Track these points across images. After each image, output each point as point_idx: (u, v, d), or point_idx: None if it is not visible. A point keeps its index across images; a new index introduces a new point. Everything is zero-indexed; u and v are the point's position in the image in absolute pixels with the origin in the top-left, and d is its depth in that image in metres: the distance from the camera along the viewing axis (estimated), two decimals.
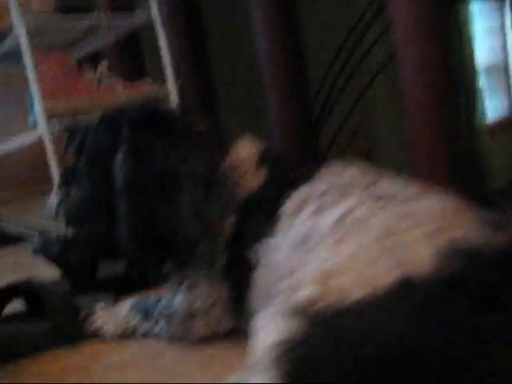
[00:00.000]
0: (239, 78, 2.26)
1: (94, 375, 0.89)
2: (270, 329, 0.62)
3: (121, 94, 1.65)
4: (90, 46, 1.85)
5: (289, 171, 0.91)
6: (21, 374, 0.94)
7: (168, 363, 0.89)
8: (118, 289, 1.18)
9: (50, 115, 1.50)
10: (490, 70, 4.12)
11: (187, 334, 0.92)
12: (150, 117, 0.93)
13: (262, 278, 0.78)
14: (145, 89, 1.73)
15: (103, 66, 1.69)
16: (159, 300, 0.97)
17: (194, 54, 1.97)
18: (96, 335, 1.01)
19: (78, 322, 1.02)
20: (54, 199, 1.01)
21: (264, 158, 0.92)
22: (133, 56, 2.00)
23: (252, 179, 0.90)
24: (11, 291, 1.06)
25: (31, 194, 2.44)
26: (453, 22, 3.98)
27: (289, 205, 0.79)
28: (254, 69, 1.90)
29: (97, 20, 1.67)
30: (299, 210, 0.77)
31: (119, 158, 0.90)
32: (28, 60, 1.47)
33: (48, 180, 2.45)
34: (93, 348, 0.99)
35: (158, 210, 0.87)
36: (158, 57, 1.87)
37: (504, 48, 4.29)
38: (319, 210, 0.74)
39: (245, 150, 0.93)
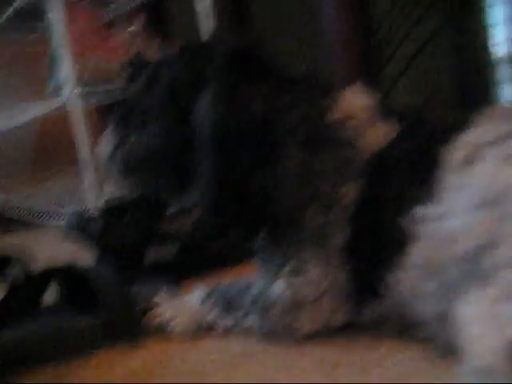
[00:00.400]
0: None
1: (170, 381, 0.69)
2: (497, 319, 0.42)
3: None
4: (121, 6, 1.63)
5: (423, 122, 0.71)
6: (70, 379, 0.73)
7: (267, 367, 0.68)
8: (170, 277, 0.97)
9: (79, 78, 1.29)
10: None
11: (289, 330, 0.72)
12: (244, 54, 0.73)
13: (429, 253, 0.58)
14: None
15: (137, 26, 1.48)
16: (247, 287, 0.76)
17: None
18: (161, 332, 0.80)
19: (137, 316, 0.81)
20: (106, 145, 0.79)
21: (383, 109, 0.73)
22: (159, 18, 1.78)
23: (376, 134, 0.70)
24: (49, 277, 0.84)
25: (34, 178, 2.23)
26: (468, 11, 3.85)
27: (454, 157, 0.59)
28: None
29: None
30: (472, 161, 0.57)
31: (206, 99, 0.69)
32: (56, 11, 1.24)
33: (51, 163, 2.25)
34: (161, 348, 0.77)
35: (253, 168, 0.67)
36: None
37: None
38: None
39: (356, 100, 0.74)
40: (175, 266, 1.02)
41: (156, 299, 0.83)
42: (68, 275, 0.87)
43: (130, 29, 1.48)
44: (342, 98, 0.73)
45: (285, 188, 0.68)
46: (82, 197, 1.40)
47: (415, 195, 0.61)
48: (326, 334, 0.71)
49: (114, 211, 1.08)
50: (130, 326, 0.80)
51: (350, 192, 0.68)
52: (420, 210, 0.60)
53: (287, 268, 0.71)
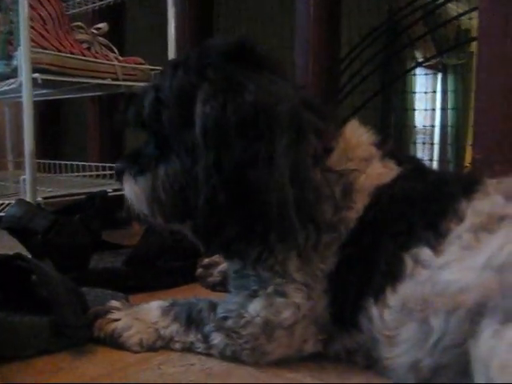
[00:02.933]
0: None
1: None
2: None
3: (116, 65, 1.40)
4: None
5: (426, 169, 0.76)
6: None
7: None
8: (113, 286, 0.91)
9: (35, 65, 1.21)
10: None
11: (259, 354, 0.69)
12: (239, 50, 0.69)
13: (419, 298, 0.60)
14: (139, 66, 1.48)
15: (101, 30, 1.43)
16: (213, 306, 0.73)
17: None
18: (111, 342, 0.74)
19: (88, 320, 0.75)
20: (137, 197, 0.74)
21: (389, 152, 0.73)
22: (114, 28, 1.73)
23: (378, 169, 0.71)
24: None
25: None
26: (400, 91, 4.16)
27: (472, 218, 0.61)
28: None
29: None
30: (488, 228, 0.60)
31: (199, 98, 0.66)
32: None
33: None
34: (111, 358, 0.72)
35: (246, 164, 0.63)
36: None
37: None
38: None
39: (358, 134, 0.74)
40: (121, 275, 0.96)
41: (110, 304, 0.78)
42: (9, 267, 0.80)
43: (92, 29, 1.43)
44: (345, 129, 0.74)
45: (280, 189, 0.63)
46: (17, 190, 1.30)
47: (422, 236, 0.62)
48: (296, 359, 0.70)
49: (63, 210, 1.01)
50: (80, 330, 0.74)
51: (349, 218, 0.68)
52: (423, 252, 0.61)
53: (270, 288, 0.69)
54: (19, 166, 2.21)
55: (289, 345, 0.69)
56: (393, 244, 0.64)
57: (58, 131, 2.37)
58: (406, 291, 0.61)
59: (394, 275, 0.62)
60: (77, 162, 1.86)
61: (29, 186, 1.21)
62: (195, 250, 1.04)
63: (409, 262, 0.61)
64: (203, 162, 0.65)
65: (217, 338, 0.71)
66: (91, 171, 1.77)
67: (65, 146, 2.38)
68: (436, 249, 0.61)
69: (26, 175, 1.22)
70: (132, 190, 0.73)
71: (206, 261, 1.04)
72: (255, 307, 0.69)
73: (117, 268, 0.97)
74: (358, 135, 0.74)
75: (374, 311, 0.63)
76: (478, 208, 0.62)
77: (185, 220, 0.72)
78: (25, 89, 1.19)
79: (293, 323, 0.68)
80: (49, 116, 2.31)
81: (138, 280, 0.97)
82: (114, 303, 0.78)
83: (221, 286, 1.00)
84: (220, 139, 0.64)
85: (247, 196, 0.64)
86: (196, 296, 0.79)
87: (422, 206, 0.65)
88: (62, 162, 1.96)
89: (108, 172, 1.74)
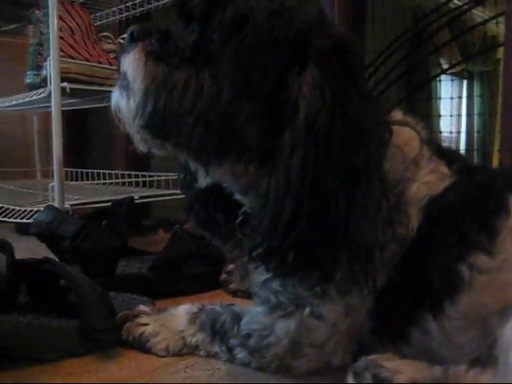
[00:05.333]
0: None
1: None
2: None
3: None
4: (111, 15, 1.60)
5: (476, 168, 0.73)
6: None
7: None
8: (139, 291, 0.92)
9: (64, 75, 1.24)
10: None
11: (285, 370, 0.68)
12: (345, 49, 0.60)
13: (480, 304, 0.59)
14: None
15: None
16: (237, 318, 0.71)
17: None
18: (139, 346, 0.75)
19: (116, 324, 0.76)
20: (138, 81, 0.59)
21: (436, 149, 0.69)
22: None
23: (430, 176, 0.66)
24: (28, 269, 0.78)
25: None
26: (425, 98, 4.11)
27: None
28: None
29: None
30: None
31: (309, 78, 0.58)
32: (52, 6, 1.20)
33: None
34: (138, 362, 0.73)
35: (341, 187, 0.57)
36: None
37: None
38: None
39: (406, 133, 0.68)
40: (147, 280, 0.97)
41: (139, 308, 0.79)
42: (38, 271, 0.81)
43: (119, 39, 1.46)
44: (396, 130, 0.66)
45: (366, 219, 0.58)
46: (45, 197, 1.33)
47: (475, 242, 0.60)
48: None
49: (90, 217, 1.03)
50: (107, 333, 0.74)
51: (404, 237, 0.63)
52: (479, 258, 0.59)
53: (307, 310, 0.66)
54: (47, 174, 2.25)
55: (317, 360, 0.68)
56: (448, 257, 0.61)
57: (85, 140, 2.41)
58: (466, 301, 0.60)
59: (452, 288, 0.60)
60: (103, 170, 1.88)
61: (57, 192, 1.23)
62: (220, 256, 1.07)
63: (466, 272, 0.60)
64: (301, 155, 0.57)
65: (240, 353, 0.70)
66: (117, 179, 1.80)
67: (92, 155, 2.41)
68: (491, 251, 0.59)
69: (55, 182, 1.24)
70: (135, 68, 0.60)
71: (230, 267, 1.04)
72: (287, 327, 0.66)
73: (143, 274, 0.98)
74: (408, 129, 0.69)
75: (432, 325, 0.62)
76: None
77: (169, 138, 0.61)
78: (54, 98, 1.22)
79: (325, 341, 0.66)
80: (76, 125, 2.35)
81: (163, 286, 0.97)
82: (143, 308, 0.79)
83: (243, 292, 1.00)
84: (325, 144, 0.57)
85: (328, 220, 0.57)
86: (221, 302, 0.79)
87: (473, 212, 0.62)
88: (89, 171, 1.99)
89: (134, 180, 1.76)
